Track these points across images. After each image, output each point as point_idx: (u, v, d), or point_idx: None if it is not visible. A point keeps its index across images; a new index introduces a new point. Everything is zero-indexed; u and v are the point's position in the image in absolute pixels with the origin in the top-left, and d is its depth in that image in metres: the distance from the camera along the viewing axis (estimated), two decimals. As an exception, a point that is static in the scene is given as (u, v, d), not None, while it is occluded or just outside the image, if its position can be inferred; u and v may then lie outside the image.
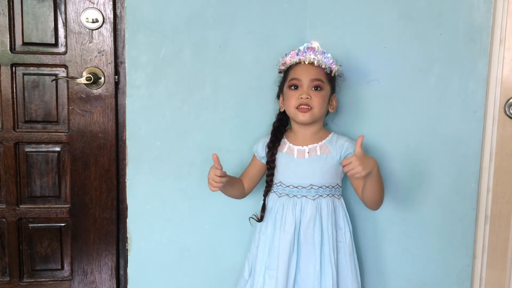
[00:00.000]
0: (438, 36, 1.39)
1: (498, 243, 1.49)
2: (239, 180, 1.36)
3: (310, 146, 1.28)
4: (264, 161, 1.34)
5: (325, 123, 1.38)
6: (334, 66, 1.28)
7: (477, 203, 1.45)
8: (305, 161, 1.27)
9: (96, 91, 1.48)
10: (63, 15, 1.45)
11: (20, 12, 1.44)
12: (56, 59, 1.47)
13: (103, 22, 1.44)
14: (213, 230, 1.48)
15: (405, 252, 1.46)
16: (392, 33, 1.40)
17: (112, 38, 1.46)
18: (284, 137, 1.33)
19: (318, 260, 1.24)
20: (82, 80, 1.44)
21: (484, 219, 1.47)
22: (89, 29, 1.45)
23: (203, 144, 1.44)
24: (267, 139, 1.33)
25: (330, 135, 1.31)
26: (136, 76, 1.41)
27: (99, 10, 1.44)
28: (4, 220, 1.53)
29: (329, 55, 1.28)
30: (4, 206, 1.53)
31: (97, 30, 1.45)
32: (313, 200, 1.26)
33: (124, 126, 1.47)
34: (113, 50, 1.46)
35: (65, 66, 1.47)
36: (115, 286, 1.59)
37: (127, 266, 1.51)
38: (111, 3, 1.44)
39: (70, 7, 1.44)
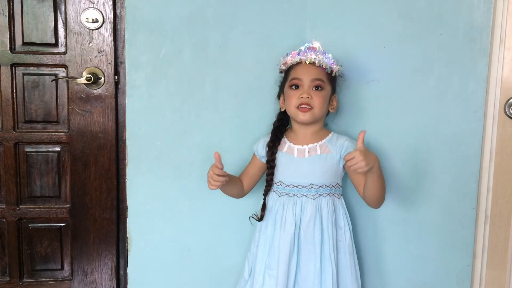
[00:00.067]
0: (438, 36, 1.39)
1: (498, 243, 1.49)
2: (239, 179, 1.36)
3: (310, 145, 1.28)
4: (264, 160, 1.34)
5: (325, 123, 1.38)
6: (335, 66, 1.29)
7: (477, 203, 1.45)
8: (305, 160, 1.28)
9: (96, 91, 1.48)
10: (63, 15, 1.45)
11: (20, 12, 1.44)
12: (56, 59, 1.47)
13: (103, 22, 1.44)
14: (213, 230, 1.48)
15: (405, 252, 1.46)
16: (392, 33, 1.40)
17: (112, 38, 1.46)
18: (284, 136, 1.33)
19: (318, 259, 1.24)
20: (82, 80, 1.44)
21: (484, 219, 1.47)
22: (89, 29, 1.45)
23: (203, 144, 1.44)
24: (267, 139, 1.33)
25: (330, 135, 1.31)
26: (136, 76, 1.41)
27: (99, 10, 1.44)
28: (4, 220, 1.53)
29: (330, 55, 1.28)
30: (4, 206, 1.53)
31: (97, 30, 1.45)
32: (313, 199, 1.26)
33: (124, 126, 1.47)
34: (113, 50, 1.46)
35: (65, 66, 1.47)
36: (115, 286, 1.59)
37: (127, 266, 1.51)
38: (111, 3, 1.44)
39: (70, 7, 1.44)
